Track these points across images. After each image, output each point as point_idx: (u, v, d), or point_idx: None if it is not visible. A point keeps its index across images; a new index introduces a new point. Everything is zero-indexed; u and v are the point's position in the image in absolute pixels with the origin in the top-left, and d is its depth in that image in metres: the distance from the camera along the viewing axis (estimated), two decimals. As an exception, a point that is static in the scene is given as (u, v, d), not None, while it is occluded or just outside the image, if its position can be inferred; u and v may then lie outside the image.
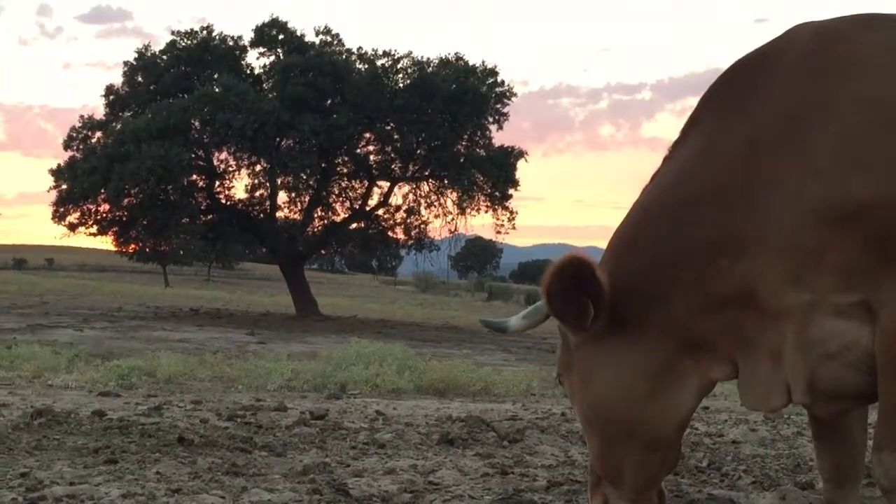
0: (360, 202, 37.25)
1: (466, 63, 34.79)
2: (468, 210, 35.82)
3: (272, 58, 35.54)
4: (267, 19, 35.64)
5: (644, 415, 3.38)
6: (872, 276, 3.03)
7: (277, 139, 33.22)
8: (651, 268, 3.32)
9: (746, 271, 3.15)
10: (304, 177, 35.30)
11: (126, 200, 32.28)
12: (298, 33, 35.62)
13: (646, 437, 3.42)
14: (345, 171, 36.69)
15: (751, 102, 3.29)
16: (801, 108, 3.16)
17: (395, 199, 37.14)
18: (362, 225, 38.16)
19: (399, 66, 34.49)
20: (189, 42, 35.46)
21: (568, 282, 3.21)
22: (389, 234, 38.06)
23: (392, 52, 34.67)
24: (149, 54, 35.73)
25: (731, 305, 3.21)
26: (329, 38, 35.66)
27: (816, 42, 3.32)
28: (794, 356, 3.15)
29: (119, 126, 33.34)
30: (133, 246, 36.66)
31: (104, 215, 33.47)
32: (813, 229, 3.04)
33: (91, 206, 33.12)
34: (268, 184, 35.83)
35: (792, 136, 3.14)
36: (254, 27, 35.72)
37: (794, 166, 3.10)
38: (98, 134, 34.31)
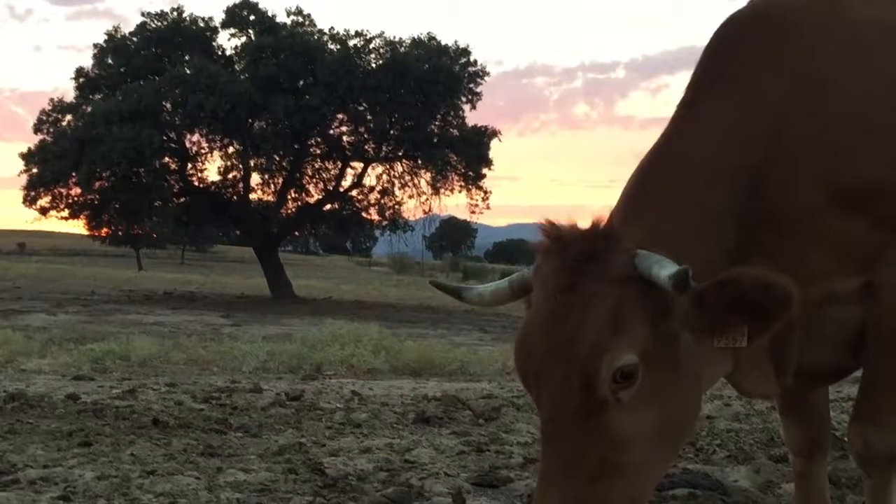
0: (333, 183, 37.16)
1: (439, 43, 34.74)
2: (442, 190, 35.83)
3: (244, 39, 35.37)
4: (238, 0, 35.41)
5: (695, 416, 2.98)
6: (877, 256, 3.04)
7: (250, 120, 33.07)
8: (714, 256, 2.89)
9: (783, 254, 2.99)
10: (277, 158, 35.18)
11: (97, 184, 32.07)
12: (270, 14, 35.47)
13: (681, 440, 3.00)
14: (318, 152, 36.58)
15: (770, 68, 3.14)
16: (820, 82, 3.09)
17: (369, 180, 37.14)
18: (336, 206, 38.06)
19: (371, 46, 34.39)
20: (160, 24, 35.21)
21: (746, 301, 2.65)
22: (363, 215, 38.01)
23: (364, 33, 34.57)
24: (119, 36, 35.46)
25: None
26: (300, 19, 35.50)
27: (820, 10, 3.27)
28: (794, 344, 3.08)
29: (90, 109, 33.08)
30: (105, 230, 36.44)
31: (76, 199, 33.23)
32: (837, 213, 2.99)
33: (62, 190, 32.88)
34: (241, 165, 35.68)
35: (816, 110, 3.06)
36: (225, 8, 35.54)
37: (822, 145, 3.02)
38: (68, 117, 34.04)
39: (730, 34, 3.31)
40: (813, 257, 3.02)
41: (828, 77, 3.10)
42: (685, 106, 3.23)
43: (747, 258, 2.92)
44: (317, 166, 37.23)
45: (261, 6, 35.47)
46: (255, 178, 36.69)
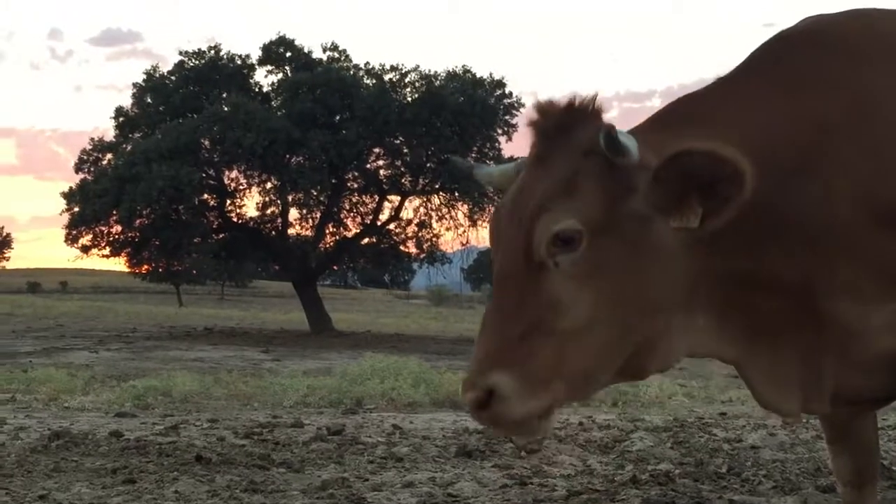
0: (371, 217, 37.27)
1: (474, 75, 34.83)
2: (479, 222, 35.80)
3: (280, 75, 35.63)
4: (274, 37, 35.76)
5: (650, 324, 2.84)
6: None
7: (287, 156, 33.26)
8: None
9: (810, 262, 2.95)
10: (315, 193, 35.33)
11: (138, 221, 32.35)
12: (306, 50, 35.72)
13: (630, 346, 2.85)
14: (355, 186, 36.71)
15: (815, 83, 3.08)
16: (864, 102, 3.03)
17: (406, 213, 37.18)
18: (374, 240, 38.14)
19: (407, 80, 34.56)
20: (197, 62, 35.57)
21: (698, 177, 2.68)
22: (401, 248, 38.04)
23: (399, 67, 34.74)
24: (157, 75, 35.85)
25: (781, 293, 2.98)
26: (336, 55, 35.74)
27: (863, 32, 3.23)
28: (825, 364, 3.03)
29: (129, 147, 33.45)
30: (146, 266, 36.75)
31: (116, 237, 33.56)
32: (878, 232, 2.93)
33: (103, 228, 33.21)
34: (279, 201, 35.86)
35: (858, 129, 2.99)
36: (261, 45, 35.85)
37: (864, 163, 2.96)
38: (109, 156, 34.44)
39: (776, 47, 3.27)
40: (844, 273, 2.95)
41: (872, 97, 3.05)
42: (720, 85, 3.18)
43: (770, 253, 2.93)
44: (354, 200, 37.36)
45: (297, 43, 35.80)
46: (294, 213, 36.91)
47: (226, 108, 32.50)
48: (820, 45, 3.19)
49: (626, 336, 2.81)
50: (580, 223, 2.70)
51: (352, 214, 37.63)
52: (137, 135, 34.93)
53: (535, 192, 2.78)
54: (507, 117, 35.32)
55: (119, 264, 36.48)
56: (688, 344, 2.99)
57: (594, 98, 2.85)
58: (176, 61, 36.12)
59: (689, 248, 2.83)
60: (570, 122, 2.85)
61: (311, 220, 36.95)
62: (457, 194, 35.63)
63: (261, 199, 35.97)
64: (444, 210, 36.63)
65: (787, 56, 3.19)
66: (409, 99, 33.91)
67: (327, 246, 37.82)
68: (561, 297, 2.70)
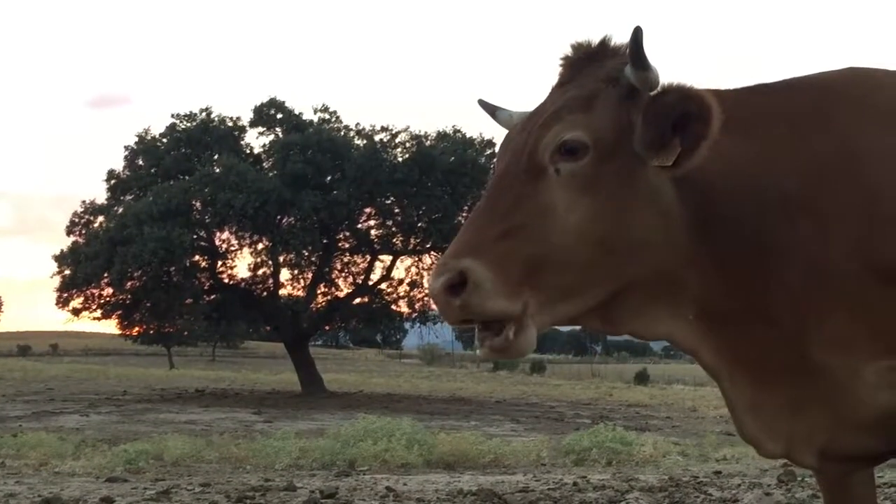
0: (362, 277, 37.25)
1: (464, 135, 35.02)
2: (471, 281, 35.72)
3: (271, 137, 35.75)
4: (265, 99, 35.94)
5: (633, 266, 2.90)
6: None
7: (279, 217, 33.31)
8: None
9: (801, 302, 2.95)
10: (307, 253, 35.34)
11: (129, 283, 32.25)
12: (297, 112, 35.88)
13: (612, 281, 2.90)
14: (347, 246, 36.75)
15: (817, 127, 3.08)
16: (863, 151, 3.03)
17: (398, 273, 37.19)
18: (366, 300, 38.08)
19: (397, 140, 34.71)
20: (189, 124, 35.66)
21: (672, 113, 2.80)
22: (393, 307, 37.98)
23: (390, 127, 34.92)
24: (149, 138, 35.95)
25: (771, 325, 2.98)
26: (327, 116, 35.90)
27: (866, 85, 3.23)
28: (817, 417, 3.03)
29: (121, 210, 33.48)
30: (137, 329, 36.60)
31: (108, 299, 33.41)
32: (869, 285, 2.92)
33: (94, 291, 33.07)
34: (270, 262, 35.87)
35: (858, 179, 2.99)
36: (252, 107, 36.01)
37: (859, 214, 2.95)
38: (100, 218, 34.43)
39: (785, 87, 3.27)
40: (834, 322, 2.94)
41: (873, 151, 3.04)
42: (733, 93, 3.17)
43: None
44: (346, 260, 37.38)
45: (287, 104, 35.96)
46: (285, 274, 36.85)
47: (217, 170, 32.55)
48: (830, 95, 3.19)
49: (602, 267, 2.85)
50: (589, 139, 2.83)
51: (343, 275, 37.64)
52: (129, 197, 34.95)
53: (551, 107, 2.93)
54: (497, 176, 35.39)
55: (110, 327, 36.38)
56: (672, 327, 3.04)
57: (637, 32, 2.83)
58: (167, 124, 36.26)
59: (682, 208, 2.91)
60: (599, 54, 3.02)
61: (302, 281, 36.93)
62: (448, 253, 35.63)
63: (252, 260, 35.99)
64: (436, 269, 36.62)
65: (795, 97, 3.20)
66: (400, 159, 34.03)
67: (319, 306, 37.75)
68: (552, 205, 2.79)
